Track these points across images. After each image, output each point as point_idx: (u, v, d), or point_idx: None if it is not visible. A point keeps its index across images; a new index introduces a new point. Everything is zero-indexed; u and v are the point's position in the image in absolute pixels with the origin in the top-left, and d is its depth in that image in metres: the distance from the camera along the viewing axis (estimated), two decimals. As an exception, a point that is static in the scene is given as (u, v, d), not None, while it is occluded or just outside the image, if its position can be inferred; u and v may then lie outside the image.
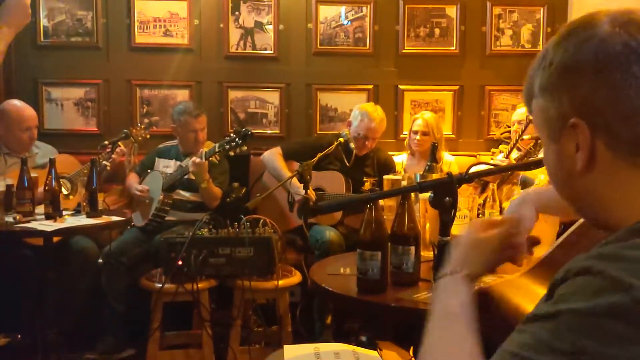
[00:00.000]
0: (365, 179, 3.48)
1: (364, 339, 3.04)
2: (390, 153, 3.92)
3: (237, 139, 3.07)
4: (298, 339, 2.97)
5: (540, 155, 3.25)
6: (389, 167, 3.59)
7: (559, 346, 0.59)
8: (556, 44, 0.76)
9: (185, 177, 3.31)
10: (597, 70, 0.70)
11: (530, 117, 3.47)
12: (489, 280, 1.04)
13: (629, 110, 0.69)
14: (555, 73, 0.74)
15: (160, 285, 2.81)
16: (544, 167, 0.84)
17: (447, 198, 1.26)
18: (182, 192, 3.43)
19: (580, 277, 0.62)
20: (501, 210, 2.87)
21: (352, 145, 3.42)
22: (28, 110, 3.36)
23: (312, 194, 3.26)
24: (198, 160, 3.15)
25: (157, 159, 3.57)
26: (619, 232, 0.68)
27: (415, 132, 3.67)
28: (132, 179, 3.51)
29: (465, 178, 1.27)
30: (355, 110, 3.56)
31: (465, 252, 0.96)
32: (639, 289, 0.58)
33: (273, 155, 3.54)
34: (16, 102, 3.38)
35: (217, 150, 3.13)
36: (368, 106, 3.56)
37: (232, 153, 3.12)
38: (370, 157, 3.57)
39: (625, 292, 0.58)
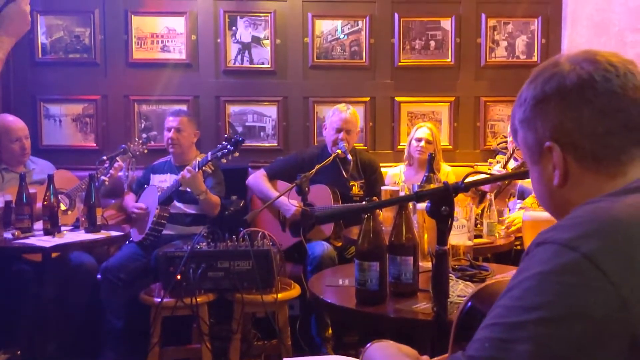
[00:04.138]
0: (352, 183, 3.49)
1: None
2: (387, 164, 3.94)
3: (228, 146, 3.06)
4: (298, 352, 2.96)
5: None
6: (373, 168, 3.61)
7: (524, 304, 0.70)
8: (528, 83, 0.92)
9: (181, 188, 3.30)
10: (560, 100, 0.87)
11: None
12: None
13: (588, 128, 0.84)
14: (529, 107, 0.91)
15: (159, 299, 2.80)
16: None
17: (444, 207, 1.27)
18: (179, 204, 3.43)
19: (539, 248, 0.75)
20: (499, 220, 2.89)
21: (349, 156, 3.42)
22: (16, 122, 3.38)
23: (298, 207, 3.27)
24: (191, 170, 3.15)
25: (152, 175, 3.58)
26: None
27: (419, 140, 3.69)
28: (129, 199, 3.52)
29: (462, 187, 1.27)
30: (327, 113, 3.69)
31: None
32: (585, 245, 0.70)
33: (258, 179, 3.56)
34: (4, 115, 3.40)
35: (209, 159, 3.13)
36: (338, 105, 3.62)
37: (224, 160, 3.11)
38: (352, 160, 3.54)
39: (575, 251, 0.70)
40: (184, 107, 4.07)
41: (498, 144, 3.99)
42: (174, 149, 3.49)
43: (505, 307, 0.72)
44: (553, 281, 0.69)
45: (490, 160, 3.82)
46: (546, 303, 0.68)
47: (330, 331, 3.22)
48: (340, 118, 3.49)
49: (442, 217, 1.26)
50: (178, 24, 4.11)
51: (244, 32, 4.14)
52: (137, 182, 3.62)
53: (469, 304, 0.99)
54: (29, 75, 4.08)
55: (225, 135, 3.13)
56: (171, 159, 3.58)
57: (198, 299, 2.79)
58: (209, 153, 3.15)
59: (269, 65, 4.15)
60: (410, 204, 2.01)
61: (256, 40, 4.15)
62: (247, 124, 4.18)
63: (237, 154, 3.09)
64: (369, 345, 1.18)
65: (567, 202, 0.88)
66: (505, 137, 3.83)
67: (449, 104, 4.25)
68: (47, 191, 2.87)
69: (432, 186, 2.35)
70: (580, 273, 0.68)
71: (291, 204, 3.33)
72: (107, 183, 3.33)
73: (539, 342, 0.67)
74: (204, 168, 3.17)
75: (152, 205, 3.34)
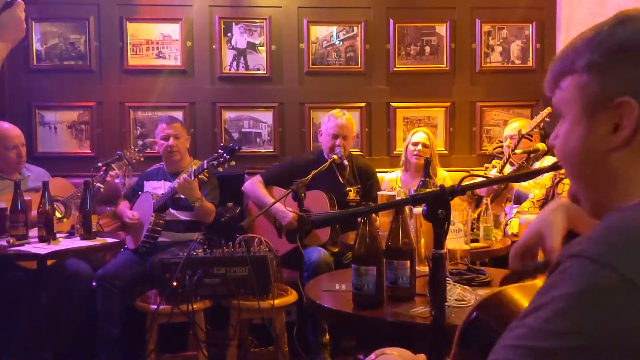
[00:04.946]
0: (348, 188, 3.49)
1: (361, 357, 3.02)
2: (383, 170, 3.95)
3: (224, 155, 3.04)
4: (295, 358, 2.95)
5: (533, 168, 3.27)
6: (370, 173, 3.61)
7: (556, 329, 0.62)
8: (612, 26, 0.78)
9: (176, 195, 3.29)
10: None
11: (523, 132, 3.48)
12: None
13: None
14: (610, 53, 0.77)
15: (156, 306, 2.79)
16: (537, 181, 0.85)
17: (440, 210, 1.26)
18: (174, 211, 3.42)
19: (571, 260, 0.66)
20: (495, 224, 2.89)
21: (346, 162, 3.42)
22: (13, 130, 3.37)
23: (294, 213, 3.27)
24: (187, 178, 3.14)
25: (145, 182, 3.57)
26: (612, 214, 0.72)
27: (416, 144, 3.70)
28: (123, 206, 3.50)
29: (458, 190, 1.27)
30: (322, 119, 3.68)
31: None
32: (624, 267, 0.61)
33: (254, 185, 3.55)
34: (1, 123, 3.39)
35: (205, 167, 3.12)
36: (334, 111, 3.61)
37: (220, 169, 3.10)
38: (349, 165, 3.52)
39: (614, 271, 0.61)
40: (179, 114, 4.07)
41: (494, 149, 4.00)
42: (173, 156, 3.47)
43: (532, 328, 0.64)
44: (587, 303, 0.62)
45: (486, 165, 3.83)
46: (580, 328, 0.61)
47: (327, 336, 3.21)
48: (336, 124, 3.49)
49: (439, 221, 1.26)
50: (173, 30, 4.11)
51: (239, 38, 4.14)
52: (131, 190, 3.60)
53: (474, 314, 0.97)
54: (23, 82, 4.07)
55: (221, 144, 3.11)
56: (164, 166, 3.57)
57: (194, 306, 2.77)
58: (205, 161, 3.14)
59: (265, 71, 4.16)
60: (407, 208, 2.01)
61: (251, 46, 4.15)
62: (243, 130, 4.18)
63: (233, 163, 3.08)
64: (373, 357, 1.16)
65: (611, 171, 0.77)
66: (501, 142, 3.84)
67: (444, 109, 4.26)
68: (42, 198, 2.86)
69: (428, 190, 2.35)
70: (617, 293, 0.61)
71: (287, 210, 3.33)
72: (102, 190, 3.32)
73: None
74: (200, 176, 3.17)
75: (147, 213, 3.32)
